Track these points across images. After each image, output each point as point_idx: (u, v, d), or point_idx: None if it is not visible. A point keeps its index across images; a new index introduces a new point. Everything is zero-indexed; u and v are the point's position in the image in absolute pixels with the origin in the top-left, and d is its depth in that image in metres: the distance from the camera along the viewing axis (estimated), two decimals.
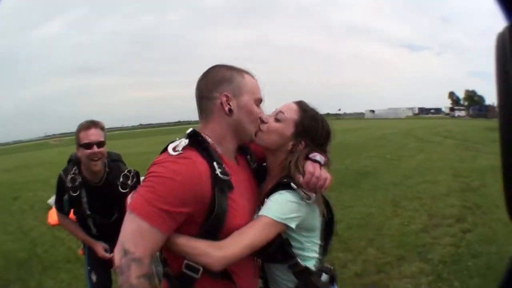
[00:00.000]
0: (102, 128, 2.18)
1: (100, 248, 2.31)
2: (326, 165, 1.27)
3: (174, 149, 1.05)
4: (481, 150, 10.73)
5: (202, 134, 1.14)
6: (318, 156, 1.24)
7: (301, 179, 1.19)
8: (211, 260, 1.07)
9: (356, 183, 7.58)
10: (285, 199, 1.21)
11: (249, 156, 1.37)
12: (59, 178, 2.26)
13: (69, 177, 2.20)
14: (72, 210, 2.39)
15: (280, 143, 1.33)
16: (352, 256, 3.85)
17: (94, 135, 2.12)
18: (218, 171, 1.05)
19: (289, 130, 1.33)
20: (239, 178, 1.18)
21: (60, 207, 2.33)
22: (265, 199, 1.22)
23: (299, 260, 1.28)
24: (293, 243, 1.27)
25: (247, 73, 1.20)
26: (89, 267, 2.46)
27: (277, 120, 1.33)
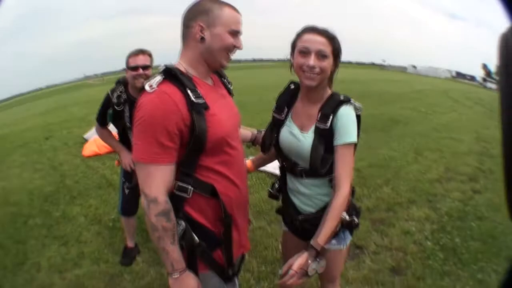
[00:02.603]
0: (149, 55, 2.39)
1: (127, 158, 2.51)
2: None
3: (150, 86, 1.12)
4: None
5: (179, 60, 1.25)
6: None
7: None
8: (346, 195, 1.33)
9: (387, 128, 7.63)
10: (352, 119, 1.36)
11: (225, 79, 1.46)
12: (106, 95, 2.46)
13: (116, 94, 2.41)
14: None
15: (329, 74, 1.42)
16: (367, 192, 4.03)
17: (141, 60, 2.34)
18: (192, 97, 1.13)
19: (331, 61, 1.39)
20: (215, 95, 1.28)
21: (102, 119, 2.52)
22: (325, 115, 1.37)
23: None
24: None
25: (228, 6, 1.23)
26: (123, 179, 2.70)
27: (323, 56, 1.36)
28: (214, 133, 1.17)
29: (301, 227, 1.53)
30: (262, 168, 2.14)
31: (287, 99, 1.52)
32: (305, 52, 1.36)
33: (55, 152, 6.75)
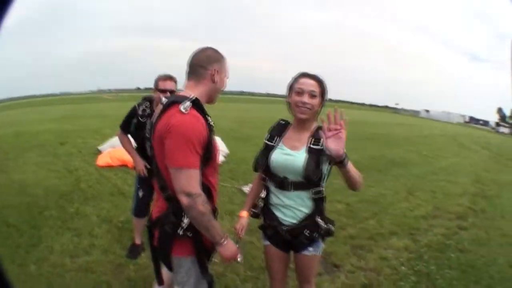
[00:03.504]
0: (175, 81, 2.82)
1: (141, 165, 2.93)
2: None
3: (185, 109, 1.44)
4: (510, 166, 10.44)
5: (190, 92, 1.55)
6: None
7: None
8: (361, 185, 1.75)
9: (384, 169, 7.93)
10: None
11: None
12: (133, 106, 2.93)
13: (142, 107, 2.88)
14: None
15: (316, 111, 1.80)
16: (353, 222, 4.30)
17: (169, 85, 2.79)
18: (210, 121, 1.52)
19: (319, 99, 1.78)
20: None
21: (125, 126, 2.97)
22: (317, 139, 1.73)
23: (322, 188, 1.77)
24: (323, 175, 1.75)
25: (225, 58, 1.66)
26: (138, 186, 3.11)
27: (313, 96, 1.74)
28: (215, 150, 1.58)
29: (286, 237, 1.82)
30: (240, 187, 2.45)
31: (277, 131, 1.87)
32: (300, 92, 1.75)
33: (70, 157, 7.08)
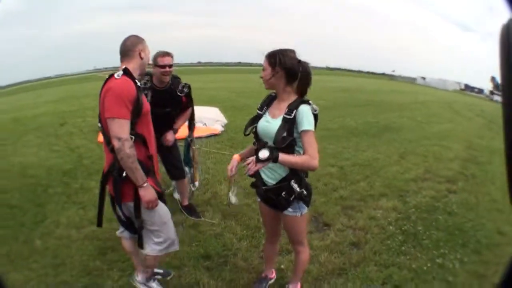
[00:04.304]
0: (172, 56, 3.04)
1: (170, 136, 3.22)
2: None
3: (117, 76, 1.85)
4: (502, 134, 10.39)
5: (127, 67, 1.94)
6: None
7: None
8: (316, 165, 1.76)
9: (378, 134, 7.95)
10: (309, 113, 1.82)
11: None
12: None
13: (142, 81, 2.98)
14: None
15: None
16: (345, 184, 4.39)
17: (168, 60, 2.99)
18: (138, 84, 1.91)
19: (269, 71, 1.91)
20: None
21: None
22: (290, 109, 1.83)
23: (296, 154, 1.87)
24: (297, 142, 1.85)
25: (144, 40, 2.05)
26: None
27: (263, 70, 1.93)
28: (144, 107, 1.92)
29: (266, 195, 2.01)
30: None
31: (267, 102, 2.03)
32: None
33: (71, 136, 7.07)
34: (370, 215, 3.57)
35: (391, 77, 79.18)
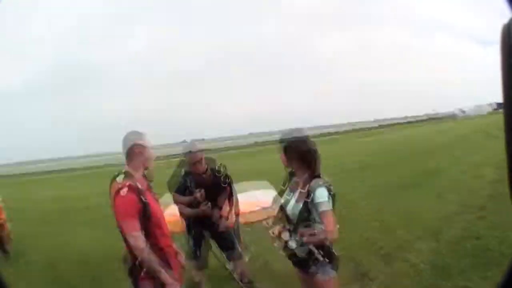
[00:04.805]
0: (202, 151, 3.34)
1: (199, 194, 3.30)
2: None
3: (122, 191, 2.03)
4: None
5: (130, 170, 2.17)
6: None
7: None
8: (334, 237, 1.94)
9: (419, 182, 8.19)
10: (326, 194, 2.02)
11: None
12: (183, 181, 3.43)
13: (187, 180, 3.37)
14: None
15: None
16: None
17: (198, 157, 3.28)
18: (142, 198, 2.06)
19: (283, 156, 2.28)
20: (149, 189, 2.26)
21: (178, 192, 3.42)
22: (309, 188, 2.04)
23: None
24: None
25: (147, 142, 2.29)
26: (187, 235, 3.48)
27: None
28: (154, 212, 2.14)
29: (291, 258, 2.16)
30: None
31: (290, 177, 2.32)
32: None
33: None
34: (405, 259, 3.97)
35: (434, 118, 72.17)
